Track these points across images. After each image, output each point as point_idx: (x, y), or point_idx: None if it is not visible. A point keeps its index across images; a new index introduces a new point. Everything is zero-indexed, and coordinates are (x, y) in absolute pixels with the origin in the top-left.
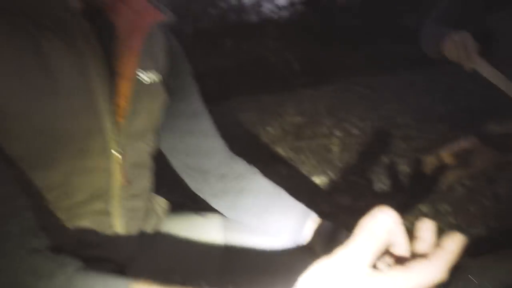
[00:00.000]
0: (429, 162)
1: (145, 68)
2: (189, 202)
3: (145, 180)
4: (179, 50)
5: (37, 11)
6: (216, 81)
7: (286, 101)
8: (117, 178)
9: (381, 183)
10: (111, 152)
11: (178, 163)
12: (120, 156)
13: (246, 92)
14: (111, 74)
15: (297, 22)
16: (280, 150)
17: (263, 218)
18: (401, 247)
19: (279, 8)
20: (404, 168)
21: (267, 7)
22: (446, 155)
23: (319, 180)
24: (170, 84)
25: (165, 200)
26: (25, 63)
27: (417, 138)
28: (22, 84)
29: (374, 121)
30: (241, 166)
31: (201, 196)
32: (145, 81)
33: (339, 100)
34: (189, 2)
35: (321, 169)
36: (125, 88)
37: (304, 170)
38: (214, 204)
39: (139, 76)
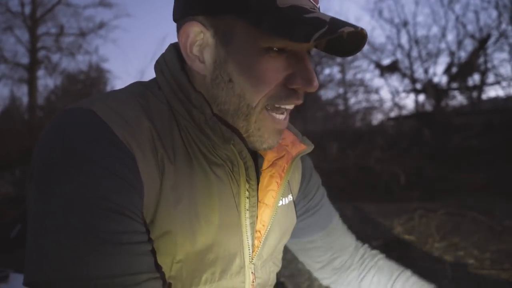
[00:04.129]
0: None
1: (284, 195)
2: None
3: None
4: (311, 168)
5: (211, 153)
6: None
7: (392, 216)
8: None
9: None
10: (245, 272)
11: (311, 262)
12: (251, 277)
13: (348, 198)
14: (256, 202)
15: (407, 136)
16: None
17: None
18: None
19: (388, 118)
20: None
21: (375, 116)
22: None
23: None
24: (301, 203)
25: None
26: (196, 185)
27: None
28: (191, 195)
29: (493, 253)
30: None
31: None
32: (281, 204)
33: (453, 224)
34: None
35: None
36: (266, 215)
37: None
38: None
39: (279, 203)
